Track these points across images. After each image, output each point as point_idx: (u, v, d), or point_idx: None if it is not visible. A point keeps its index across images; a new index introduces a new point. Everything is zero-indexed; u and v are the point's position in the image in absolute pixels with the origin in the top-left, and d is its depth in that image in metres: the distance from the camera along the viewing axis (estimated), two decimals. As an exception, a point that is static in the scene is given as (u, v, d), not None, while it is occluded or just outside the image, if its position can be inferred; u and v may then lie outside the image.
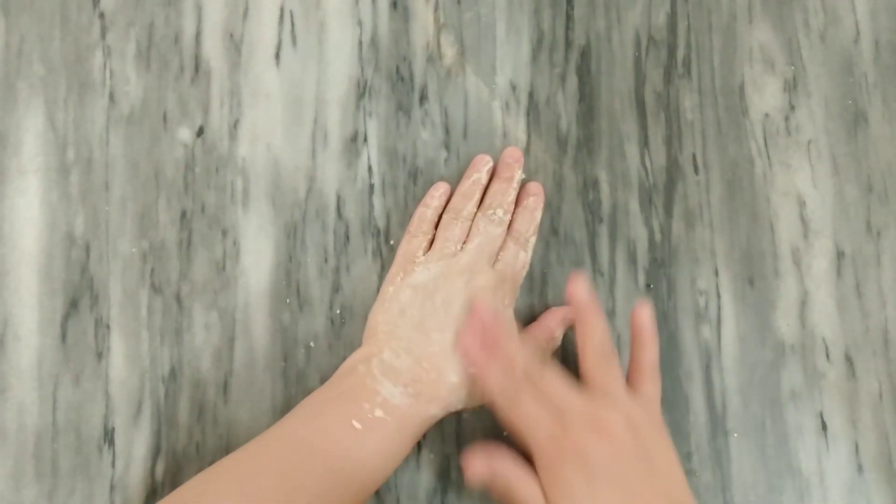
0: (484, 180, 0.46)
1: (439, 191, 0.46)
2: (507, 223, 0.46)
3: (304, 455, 0.38)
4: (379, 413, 0.39)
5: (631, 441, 0.38)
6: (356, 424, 0.39)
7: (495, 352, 0.40)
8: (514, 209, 0.46)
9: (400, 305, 0.43)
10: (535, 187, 0.47)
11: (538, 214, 0.46)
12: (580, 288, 0.41)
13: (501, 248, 0.45)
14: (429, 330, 0.42)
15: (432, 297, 0.43)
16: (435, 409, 0.41)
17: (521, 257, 0.45)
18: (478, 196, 0.46)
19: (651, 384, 0.41)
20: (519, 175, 0.47)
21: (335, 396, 0.40)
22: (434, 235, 0.46)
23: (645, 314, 0.42)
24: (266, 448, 0.39)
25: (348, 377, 0.41)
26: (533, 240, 0.46)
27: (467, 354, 0.41)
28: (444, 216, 0.46)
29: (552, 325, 0.45)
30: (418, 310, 0.42)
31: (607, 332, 0.41)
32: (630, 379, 0.42)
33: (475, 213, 0.46)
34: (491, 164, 0.47)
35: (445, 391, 0.41)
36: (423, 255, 0.45)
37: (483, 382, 0.40)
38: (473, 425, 0.45)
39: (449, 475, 0.44)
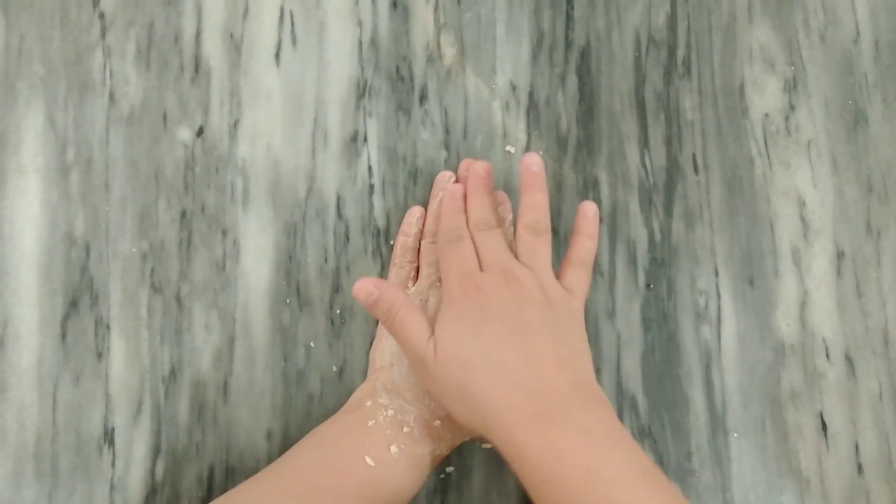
0: None
1: (414, 216, 0.46)
2: (501, 227, 0.45)
3: (317, 491, 0.38)
4: (392, 449, 0.39)
5: (538, 301, 0.38)
6: (369, 461, 0.38)
7: (471, 197, 0.43)
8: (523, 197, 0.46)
9: (394, 343, 0.43)
10: (500, 196, 0.46)
11: (509, 220, 0.46)
12: (532, 161, 0.43)
13: None
14: None
15: None
16: (441, 448, 0.41)
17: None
18: None
19: (576, 276, 0.42)
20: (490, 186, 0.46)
21: (345, 431, 0.40)
22: (419, 263, 0.45)
23: (590, 208, 0.43)
24: (278, 481, 0.38)
25: (357, 411, 0.41)
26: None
27: (444, 197, 0.44)
28: (423, 242, 0.45)
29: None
30: None
31: (546, 205, 0.42)
32: (560, 270, 0.42)
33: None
34: (453, 178, 0.46)
35: (449, 430, 0.41)
36: (413, 284, 0.45)
37: (440, 222, 0.43)
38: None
39: (449, 475, 0.44)
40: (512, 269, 0.39)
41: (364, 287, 0.38)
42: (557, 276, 0.42)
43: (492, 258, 0.40)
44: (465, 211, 0.43)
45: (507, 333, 0.37)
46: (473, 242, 0.41)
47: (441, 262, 0.42)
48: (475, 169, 0.44)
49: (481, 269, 0.40)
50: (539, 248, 0.41)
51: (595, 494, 0.32)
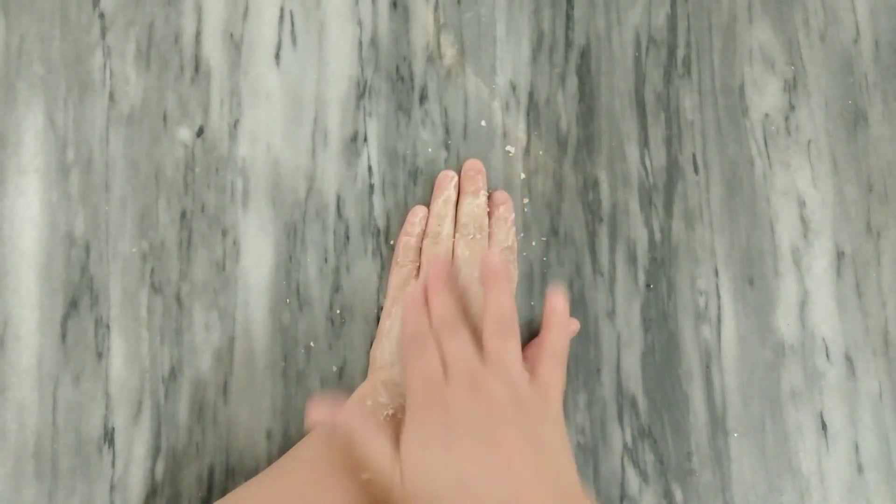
0: (454, 197, 0.46)
1: (418, 216, 0.46)
2: (486, 236, 0.45)
3: (319, 491, 0.37)
4: (391, 450, 0.38)
5: (510, 409, 0.35)
6: (381, 446, 0.37)
7: (432, 297, 0.39)
8: (489, 221, 0.46)
9: (395, 341, 0.43)
10: (501, 196, 0.46)
11: (511, 218, 0.46)
12: (492, 257, 0.41)
13: None
14: None
15: None
16: None
17: (508, 272, 0.45)
18: (451, 214, 0.46)
19: (550, 370, 0.39)
20: (484, 188, 0.47)
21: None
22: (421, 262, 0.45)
23: (558, 299, 0.41)
24: (281, 481, 0.38)
25: (357, 411, 0.41)
26: (515, 246, 0.46)
27: (404, 302, 0.41)
28: (424, 242, 0.45)
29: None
30: None
31: (512, 304, 0.40)
32: (532, 363, 0.39)
33: (454, 232, 0.45)
34: (456, 178, 0.47)
35: None
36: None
37: (402, 330, 0.40)
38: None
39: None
40: (479, 376, 0.36)
41: (317, 413, 0.36)
42: (530, 370, 0.39)
43: (457, 364, 0.37)
44: (428, 311, 0.40)
45: (479, 451, 0.33)
46: (438, 344, 0.38)
47: (404, 370, 0.39)
48: (434, 269, 0.41)
49: (446, 376, 0.37)
50: (507, 347, 0.38)
51: None
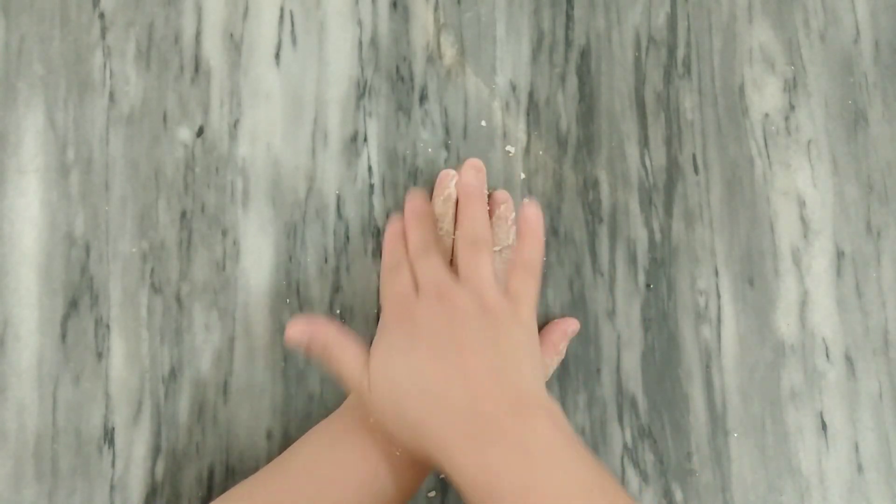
0: (454, 196, 0.46)
1: None
2: (489, 240, 0.45)
3: (318, 489, 0.37)
4: (391, 448, 0.39)
5: (473, 316, 0.37)
6: (369, 458, 0.38)
7: (409, 229, 0.42)
8: (490, 220, 0.46)
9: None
10: (502, 195, 0.46)
11: (512, 219, 0.46)
12: (468, 174, 0.43)
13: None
14: None
15: None
16: None
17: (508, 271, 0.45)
18: (451, 212, 0.45)
19: (522, 281, 0.40)
20: (484, 188, 0.46)
21: (345, 429, 0.40)
22: None
23: (532, 210, 0.42)
24: (279, 480, 0.38)
25: (357, 409, 0.41)
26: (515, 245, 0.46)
27: (384, 236, 0.43)
28: None
29: (555, 338, 0.45)
30: None
31: (485, 220, 0.42)
32: (507, 276, 0.41)
33: (454, 231, 0.45)
34: (457, 177, 0.46)
35: None
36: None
37: (382, 259, 0.42)
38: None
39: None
40: (446, 289, 0.38)
41: (295, 328, 0.38)
42: (505, 284, 0.40)
43: (427, 281, 0.39)
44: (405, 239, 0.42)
45: (437, 353, 0.35)
46: (413, 269, 0.40)
47: (381, 296, 0.41)
48: (411, 198, 0.43)
49: (417, 294, 0.39)
50: (479, 261, 0.40)
51: None
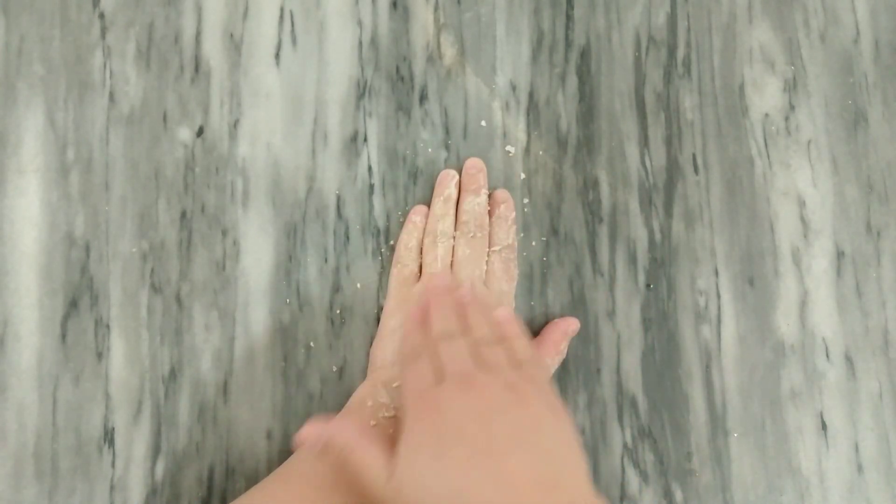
0: (454, 196, 0.46)
1: (418, 215, 0.46)
2: (486, 235, 0.45)
3: (325, 495, 0.37)
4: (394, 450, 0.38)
5: (507, 405, 0.33)
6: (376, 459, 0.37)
7: (431, 313, 0.39)
8: (490, 220, 0.46)
9: (398, 341, 0.43)
10: (502, 194, 0.47)
11: (512, 217, 0.46)
12: (463, 292, 0.40)
13: (487, 264, 0.45)
14: None
15: None
16: None
17: (508, 271, 0.45)
18: (452, 212, 0.46)
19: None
20: (485, 187, 0.47)
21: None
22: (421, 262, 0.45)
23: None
24: (286, 487, 0.38)
25: (359, 413, 0.41)
26: (515, 245, 0.46)
27: (404, 323, 0.41)
28: (425, 240, 0.45)
29: (556, 337, 0.45)
30: None
31: (489, 323, 0.39)
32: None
33: (454, 231, 0.45)
34: (457, 177, 0.47)
35: None
36: (416, 282, 0.45)
37: (401, 348, 0.40)
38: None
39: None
40: (472, 373, 0.34)
41: (310, 434, 0.35)
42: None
43: (451, 367, 0.35)
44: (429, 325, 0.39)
45: (472, 457, 0.31)
46: (435, 356, 0.37)
47: (402, 388, 0.37)
48: (432, 286, 0.41)
49: (441, 383, 0.34)
50: (496, 354, 0.36)
51: None
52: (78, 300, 0.44)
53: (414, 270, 0.45)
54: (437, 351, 0.36)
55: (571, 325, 0.45)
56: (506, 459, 0.31)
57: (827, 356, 0.48)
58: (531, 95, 0.49)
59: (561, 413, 0.34)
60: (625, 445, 0.46)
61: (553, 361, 0.45)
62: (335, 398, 0.45)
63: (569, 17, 0.50)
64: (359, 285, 0.46)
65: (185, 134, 0.47)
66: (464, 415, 0.32)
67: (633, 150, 0.49)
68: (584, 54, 0.50)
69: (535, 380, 0.35)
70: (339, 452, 0.34)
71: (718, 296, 0.48)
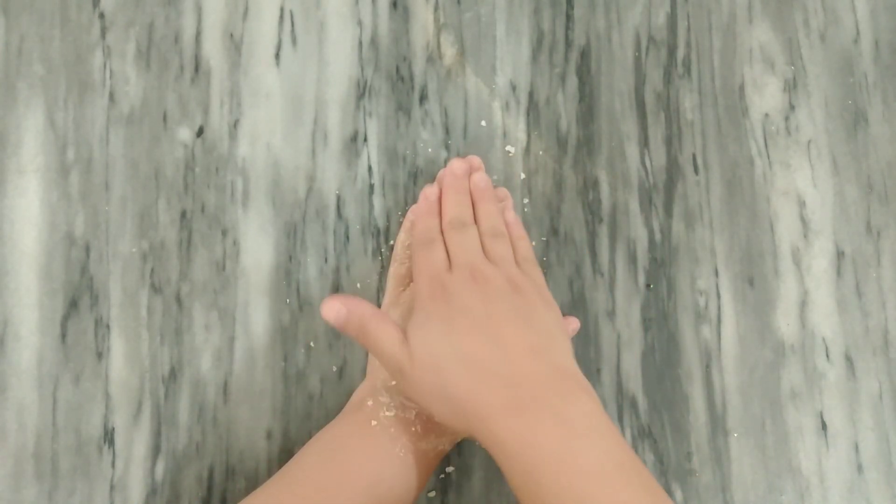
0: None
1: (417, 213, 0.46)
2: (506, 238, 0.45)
3: (327, 496, 0.37)
4: (397, 448, 0.39)
5: (506, 293, 0.38)
6: (375, 461, 0.38)
7: (445, 198, 0.43)
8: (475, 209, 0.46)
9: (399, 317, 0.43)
10: (501, 193, 0.47)
11: (509, 204, 0.46)
12: (479, 177, 0.44)
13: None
14: None
15: None
16: (444, 444, 0.41)
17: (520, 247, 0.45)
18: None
19: (532, 270, 0.42)
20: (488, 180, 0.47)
21: (349, 433, 0.40)
22: None
23: (510, 215, 0.45)
24: (288, 489, 0.38)
25: (359, 412, 0.41)
26: (526, 235, 0.46)
27: (420, 201, 0.44)
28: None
29: None
30: None
31: (498, 216, 0.43)
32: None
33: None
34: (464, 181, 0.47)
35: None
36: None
37: (414, 228, 0.43)
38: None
39: (449, 475, 0.44)
40: (479, 265, 0.39)
41: (332, 306, 0.38)
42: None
43: (460, 257, 0.40)
44: (440, 212, 0.44)
45: (476, 327, 0.36)
46: (445, 243, 0.42)
47: (413, 266, 0.42)
48: (452, 167, 0.44)
49: (451, 270, 0.40)
50: (500, 248, 0.41)
51: (570, 486, 0.32)
52: (78, 300, 0.44)
53: (411, 269, 0.45)
54: (451, 239, 0.41)
55: (571, 324, 0.45)
56: (502, 328, 0.36)
57: (827, 356, 0.48)
58: (531, 95, 0.49)
59: (552, 305, 0.40)
60: (625, 445, 0.46)
61: None
62: (335, 398, 0.45)
63: (569, 17, 0.50)
64: (359, 285, 0.46)
65: (185, 134, 0.47)
66: (470, 295, 0.38)
67: (633, 150, 0.49)
68: (584, 54, 0.50)
69: (532, 276, 0.41)
70: (358, 326, 0.38)
71: (718, 296, 0.48)
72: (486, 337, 0.36)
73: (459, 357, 0.36)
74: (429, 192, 0.44)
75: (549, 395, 0.34)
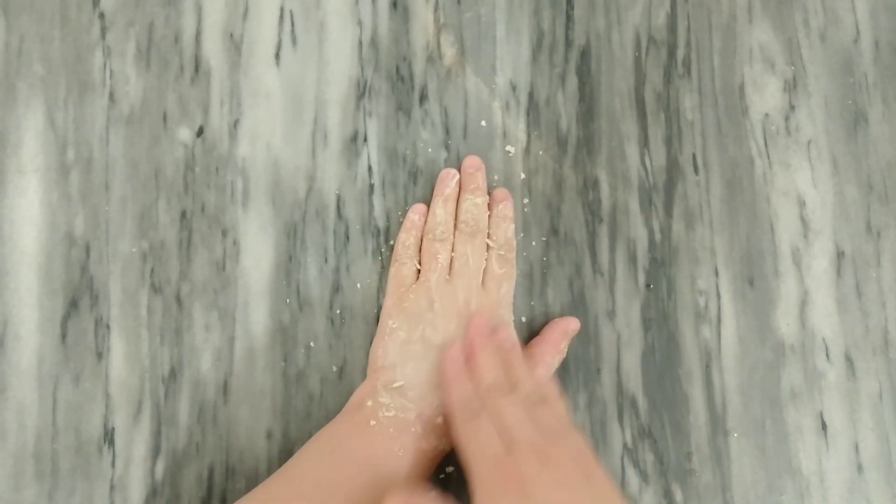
0: (454, 194, 0.46)
1: (417, 213, 0.46)
2: (485, 235, 0.45)
3: (326, 495, 0.37)
4: (396, 448, 0.39)
5: (579, 475, 0.35)
6: (374, 461, 0.38)
7: (470, 363, 0.39)
8: (489, 218, 0.46)
9: (399, 340, 0.43)
10: (501, 193, 0.46)
11: (510, 216, 0.46)
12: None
13: (486, 263, 0.45)
14: (429, 365, 0.42)
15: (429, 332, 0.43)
16: (444, 444, 0.41)
17: (507, 270, 0.45)
18: (451, 211, 0.46)
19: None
20: (484, 186, 0.47)
21: (349, 433, 0.40)
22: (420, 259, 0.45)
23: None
24: (287, 487, 0.38)
25: (359, 412, 0.41)
26: (514, 244, 0.46)
27: (443, 364, 0.41)
28: (424, 239, 0.45)
29: (556, 337, 0.45)
30: (417, 345, 0.42)
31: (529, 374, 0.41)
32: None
33: (453, 230, 0.45)
34: (458, 176, 0.47)
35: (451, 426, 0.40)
36: (414, 281, 0.45)
37: (446, 394, 0.39)
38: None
39: (449, 475, 0.44)
40: (542, 445, 0.35)
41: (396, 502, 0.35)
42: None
43: (517, 433, 0.36)
44: (471, 372, 0.40)
45: None
46: (488, 409, 0.37)
47: (461, 444, 0.37)
48: (476, 324, 0.42)
49: (505, 445, 0.35)
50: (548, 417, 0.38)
51: None
52: (78, 300, 0.44)
53: (412, 269, 0.45)
54: (497, 410, 0.37)
55: (571, 324, 0.45)
56: None
57: (827, 356, 0.48)
58: (531, 95, 0.49)
59: (608, 480, 0.36)
60: (625, 445, 0.46)
61: (553, 361, 0.45)
62: (335, 398, 0.45)
63: (569, 17, 0.50)
64: (359, 285, 0.46)
65: (185, 134, 0.47)
66: (546, 486, 0.33)
67: (633, 150, 0.49)
68: (584, 54, 0.50)
69: (582, 449, 0.36)
70: None
71: (718, 296, 0.48)
72: None
73: None
74: (455, 356, 0.41)
75: None
